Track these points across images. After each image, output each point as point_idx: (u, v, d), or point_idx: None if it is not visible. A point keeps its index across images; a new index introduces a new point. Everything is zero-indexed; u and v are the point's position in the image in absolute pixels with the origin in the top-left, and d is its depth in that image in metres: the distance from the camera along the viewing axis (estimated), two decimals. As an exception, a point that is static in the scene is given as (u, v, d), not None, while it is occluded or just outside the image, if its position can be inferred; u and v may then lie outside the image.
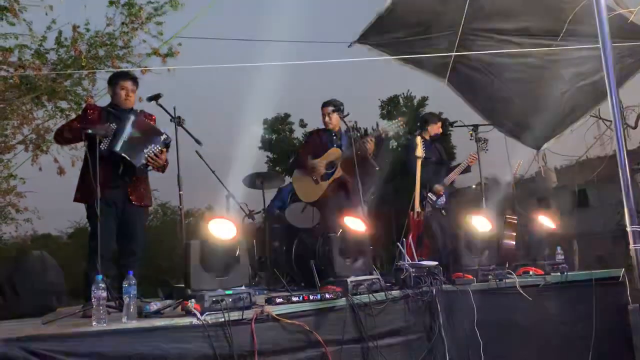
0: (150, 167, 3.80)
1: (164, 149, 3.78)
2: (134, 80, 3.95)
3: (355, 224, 3.76)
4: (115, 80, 3.91)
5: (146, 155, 3.70)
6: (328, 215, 4.80)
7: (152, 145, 3.72)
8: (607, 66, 3.00)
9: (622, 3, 4.61)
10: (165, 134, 3.76)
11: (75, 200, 3.77)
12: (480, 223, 4.23)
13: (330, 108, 4.87)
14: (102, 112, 3.85)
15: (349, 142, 4.91)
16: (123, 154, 3.64)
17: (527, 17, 5.17)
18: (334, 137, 4.96)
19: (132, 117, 3.73)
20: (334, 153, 4.86)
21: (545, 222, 4.78)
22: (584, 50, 5.23)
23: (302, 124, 19.93)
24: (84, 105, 6.66)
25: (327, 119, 4.91)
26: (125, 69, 6.05)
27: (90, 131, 3.52)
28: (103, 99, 4.22)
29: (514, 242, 4.90)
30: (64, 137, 3.87)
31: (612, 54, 3.15)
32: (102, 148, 3.59)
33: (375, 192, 6.18)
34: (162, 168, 3.85)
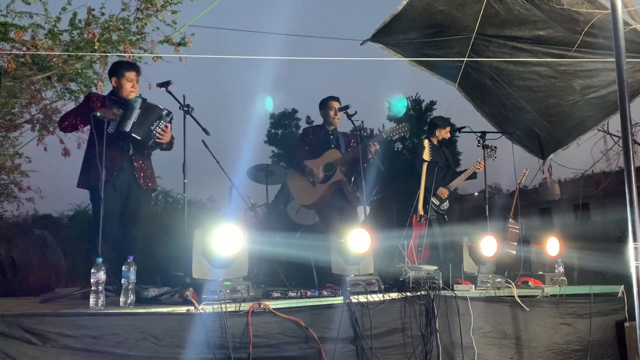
0: (157, 146, 3.83)
1: (169, 124, 3.81)
2: (139, 71, 3.96)
3: (360, 239, 3.60)
4: (120, 72, 3.87)
5: (154, 132, 3.74)
6: (327, 217, 4.68)
7: (157, 121, 3.75)
8: (620, 80, 2.97)
9: (639, 17, 4.59)
10: (166, 109, 3.77)
11: (79, 185, 3.76)
12: (487, 246, 4.18)
13: (338, 104, 4.74)
14: (105, 100, 3.84)
15: (348, 143, 4.84)
16: (134, 135, 3.66)
17: (542, 27, 5.14)
18: (331, 137, 4.81)
19: (140, 100, 3.74)
20: (332, 154, 4.70)
21: (552, 247, 4.75)
22: (595, 62, 5.21)
23: (309, 121, 19.92)
24: (93, 89, 6.70)
25: (333, 112, 4.75)
26: (127, 58, 6.02)
27: (98, 113, 3.52)
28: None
29: (514, 252, 4.89)
30: (68, 123, 3.83)
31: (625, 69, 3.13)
32: (110, 131, 3.59)
33: (379, 193, 6.17)
34: (169, 144, 3.88)
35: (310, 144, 4.83)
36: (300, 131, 5.15)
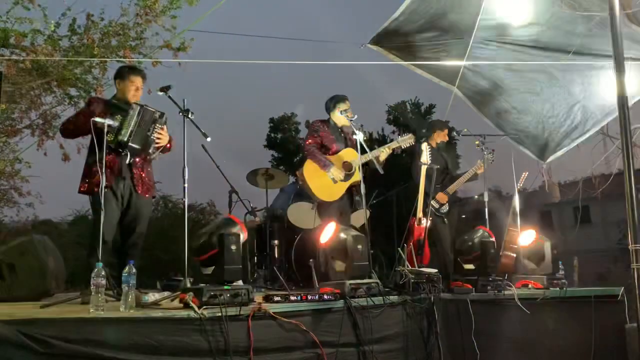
0: (156, 152, 3.83)
1: (164, 125, 3.82)
2: (145, 77, 3.98)
3: (363, 242, 3.69)
4: (126, 75, 3.90)
5: (152, 138, 3.76)
6: (333, 217, 4.56)
7: (153, 126, 3.77)
8: (619, 83, 2.99)
9: (636, 20, 4.60)
10: (158, 111, 3.79)
11: (80, 191, 3.76)
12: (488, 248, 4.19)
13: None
14: (105, 104, 3.86)
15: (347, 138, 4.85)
16: (132, 144, 3.67)
17: (540, 29, 5.16)
18: (341, 135, 4.82)
19: (138, 108, 3.74)
20: (350, 154, 4.68)
21: (527, 238, 4.76)
22: (594, 64, 5.23)
23: (308, 125, 19.93)
24: (92, 94, 6.70)
25: (346, 113, 4.64)
26: (134, 63, 6.03)
27: (98, 120, 3.52)
28: (112, 89, 4.22)
29: (515, 255, 4.89)
30: (70, 130, 3.85)
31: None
32: (109, 139, 3.59)
33: (378, 197, 6.17)
34: (167, 148, 3.89)
35: (325, 138, 4.76)
36: (311, 124, 5.00)
